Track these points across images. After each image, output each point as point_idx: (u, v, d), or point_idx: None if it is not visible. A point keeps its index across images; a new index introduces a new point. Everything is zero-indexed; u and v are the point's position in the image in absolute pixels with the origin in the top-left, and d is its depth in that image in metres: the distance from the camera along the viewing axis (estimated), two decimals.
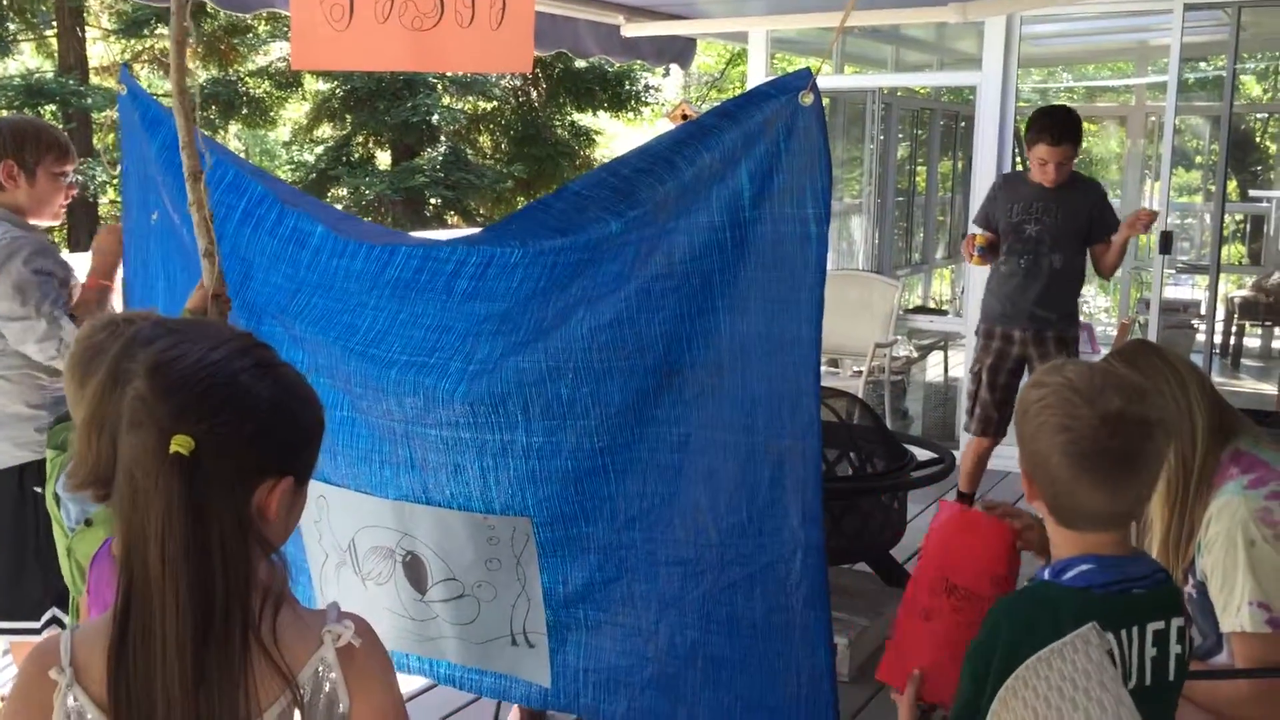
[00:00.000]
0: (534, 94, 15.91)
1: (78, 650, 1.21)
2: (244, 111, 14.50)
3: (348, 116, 14.98)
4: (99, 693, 1.18)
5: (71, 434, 1.88)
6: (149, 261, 2.87)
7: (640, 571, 2.29)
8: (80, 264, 2.89)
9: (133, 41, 13.75)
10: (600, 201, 2.16)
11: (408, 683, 3.08)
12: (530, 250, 2.24)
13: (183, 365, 1.18)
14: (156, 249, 2.83)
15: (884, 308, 6.22)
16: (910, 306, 8.27)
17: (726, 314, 2.10)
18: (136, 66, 13.62)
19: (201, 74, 13.85)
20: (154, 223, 2.76)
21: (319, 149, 15.60)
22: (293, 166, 15.93)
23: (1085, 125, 5.02)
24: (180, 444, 1.13)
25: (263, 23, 13.75)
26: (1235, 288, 9.18)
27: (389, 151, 15.54)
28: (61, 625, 2.72)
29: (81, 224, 12.40)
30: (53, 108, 12.17)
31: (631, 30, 5.95)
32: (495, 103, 15.97)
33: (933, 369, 7.98)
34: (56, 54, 13.49)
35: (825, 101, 2.36)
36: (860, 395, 4.97)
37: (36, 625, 2.77)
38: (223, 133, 14.64)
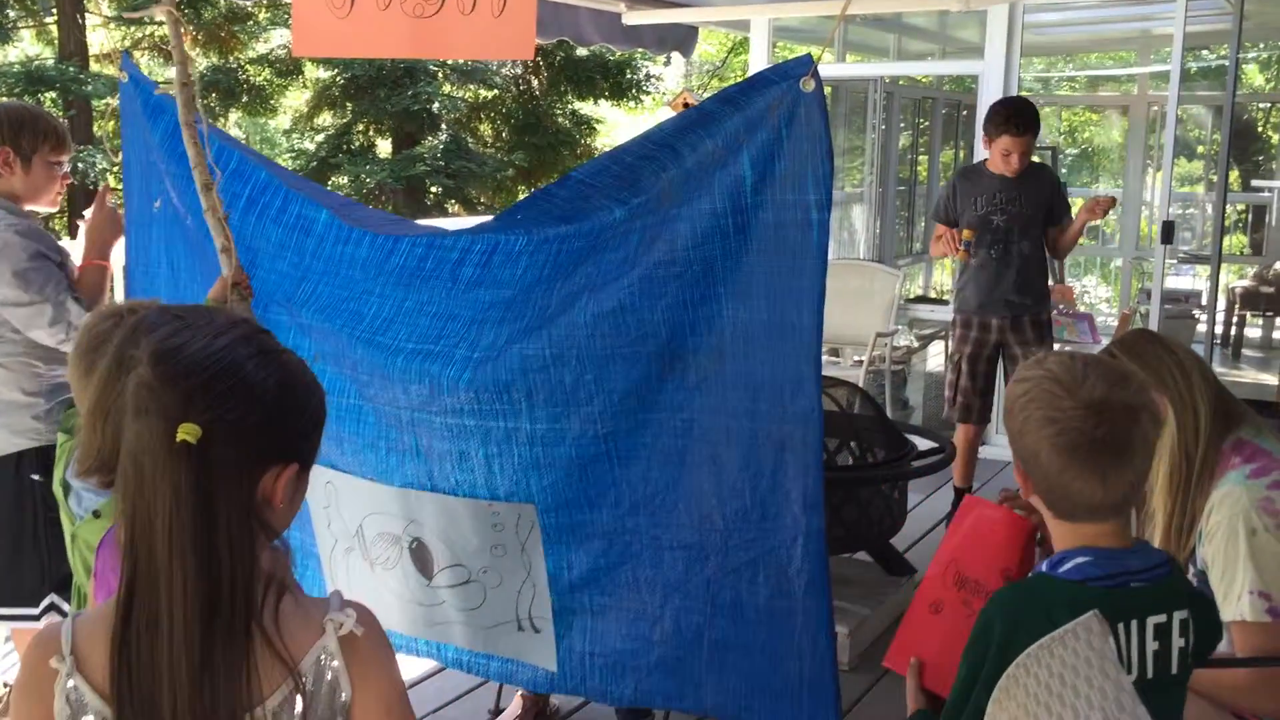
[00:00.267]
0: (535, 82, 15.86)
1: (78, 637, 1.20)
2: (244, 99, 14.45)
3: (348, 104, 14.92)
4: (99, 680, 1.18)
5: (79, 420, 1.89)
6: (151, 249, 2.87)
7: (645, 556, 2.30)
8: (77, 251, 2.88)
9: (133, 28, 13.70)
10: (604, 189, 2.17)
11: (410, 670, 3.09)
12: (535, 238, 2.25)
13: (188, 353, 1.18)
14: (159, 236, 2.83)
15: (885, 297, 6.22)
16: (911, 296, 8.27)
17: (729, 300, 2.11)
18: (137, 54, 13.56)
19: (202, 61, 13.81)
20: (157, 210, 2.76)
21: (320, 137, 15.56)
22: (293, 154, 15.88)
23: (1088, 114, 5.04)
24: (188, 432, 1.13)
25: (263, 10, 13.69)
26: (1236, 278, 9.18)
27: (390, 139, 15.49)
28: (60, 612, 2.72)
29: (81, 212, 12.35)
30: (53, 95, 12.11)
31: (633, 18, 5.93)
32: (496, 91, 15.92)
33: (933, 359, 7.98)
34: (57, 41, 13.42)
35: (827, 90, 2.36)
36: (861, 385, 4.98)
37: (35, 611, 2.77)
38: (223, 120, 14.60)
